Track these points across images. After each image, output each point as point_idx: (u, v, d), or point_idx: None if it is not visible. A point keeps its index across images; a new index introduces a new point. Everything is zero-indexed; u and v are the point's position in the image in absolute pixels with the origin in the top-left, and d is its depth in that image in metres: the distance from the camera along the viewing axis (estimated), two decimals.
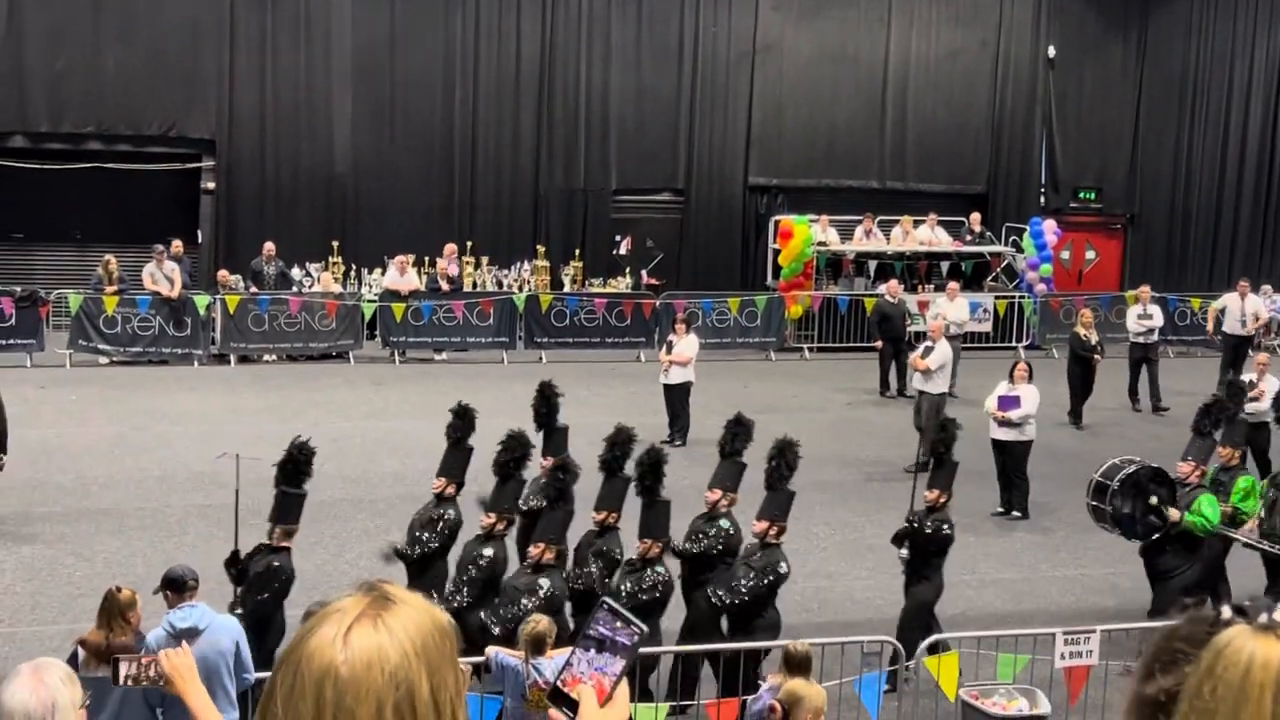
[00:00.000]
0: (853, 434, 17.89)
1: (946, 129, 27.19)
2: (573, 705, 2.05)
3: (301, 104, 24.16)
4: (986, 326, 23.98)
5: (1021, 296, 24.62)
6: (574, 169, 25.47)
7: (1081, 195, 28.45)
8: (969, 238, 25.38)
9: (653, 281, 24.42)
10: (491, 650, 8.27)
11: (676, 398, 16.83)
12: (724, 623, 9.74)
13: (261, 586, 8.85)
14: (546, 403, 11.56)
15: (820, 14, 26.47)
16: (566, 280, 24.00)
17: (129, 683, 5.48)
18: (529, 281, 23.56)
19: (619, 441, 10.27)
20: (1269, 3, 28.66)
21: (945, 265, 24.82)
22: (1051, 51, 27.70)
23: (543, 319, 22.33)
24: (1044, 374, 20.03)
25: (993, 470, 14.69)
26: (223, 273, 21.85)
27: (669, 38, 25.87)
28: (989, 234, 25.77)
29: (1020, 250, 25.24)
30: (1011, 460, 14.54)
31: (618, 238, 25.48)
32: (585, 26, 25.31)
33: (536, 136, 25.22)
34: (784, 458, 10.03)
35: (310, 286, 22.33)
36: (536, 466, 10.77)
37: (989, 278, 25.24)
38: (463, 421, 10.67)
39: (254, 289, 21.50)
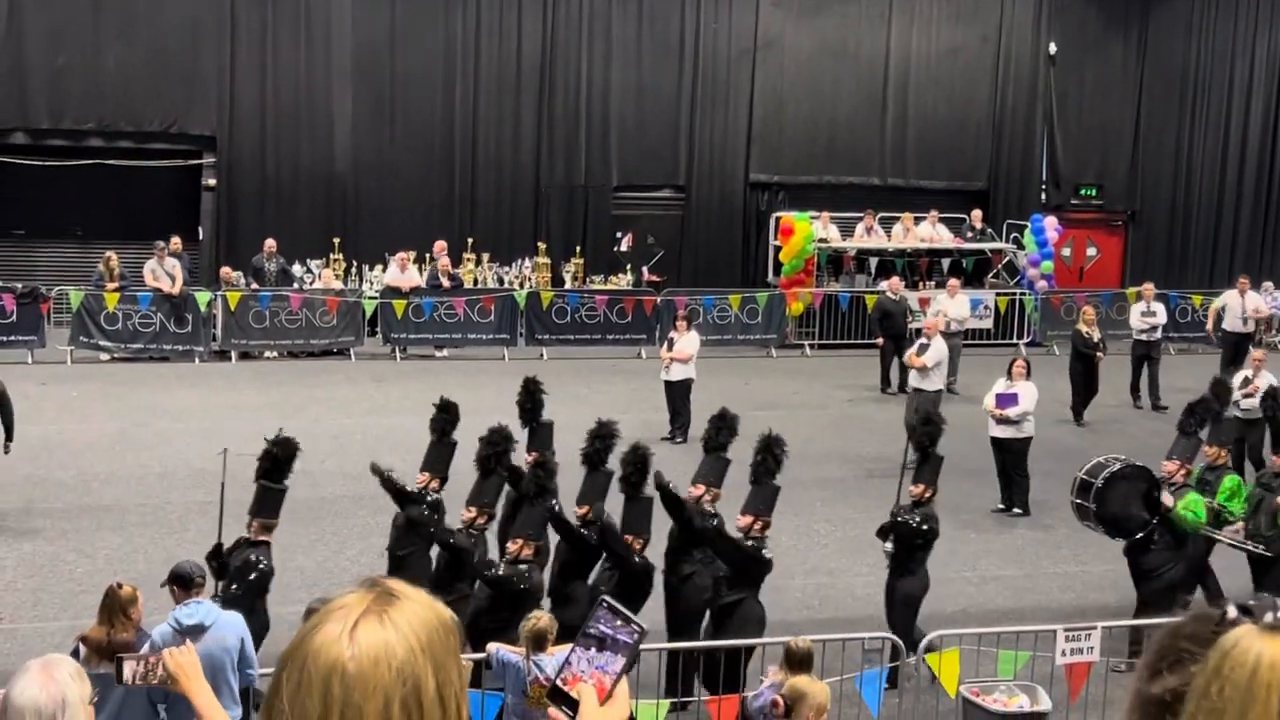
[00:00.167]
0: (854, 431, 17.89)
1: (947, 125, 27.18)
2: (572, 704, 2.05)
3: (302, 101, 24.16)
4: (988, 323, 23.98)
5: (1022, 293, 24.62)
6: (575, 166, 25.47)
7: (1082, 192, 28.45)
8: (970, 234, 25.39)
9: (654, 278, 24.43)
10: (492, 647, 8.28)
11: (678, 394, 16.83)
12: (707, 617, 9.70)
13: (239, 580, 8.89)
14: (531, 398, 11.55)
15: (821, 10, 26.46)
16: (567, 277, 24.00)
17: (138, 681, 5.47)
18: (530, 278, 23.55)
19: (601, 435, 10.30)
20: (1270, 1, 28.64)
21: (946, 262, 24.84)
22: (1052, 48, 27.68)
23: (544, 316, 22.33)
24: (1045, 371, 20.04)
25: (993, 467, 14.71)
26: (225, 269, 21.86)
27: (670, 34, 25.86)
28: (990, 231, 25.77)
29: (1021, 247, 25.23)
30: (1010, 457, 14.54)
31: (619, 234, 25.50)
32: (586, 23, 25.30)
33: (537, 133, 25.21)
34: (770, 452, 9.99)
35: (311, 283, 22.34)
36: (521, 463, 10.75)
37: (990, 274, 25.24)
38: (447, 415, 10.69)
39: (255, 286, 21.51)
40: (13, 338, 20.15)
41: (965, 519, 14.32)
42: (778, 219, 24.95)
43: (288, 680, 1.75)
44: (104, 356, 20.52)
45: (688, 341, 16.97)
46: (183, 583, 7.89)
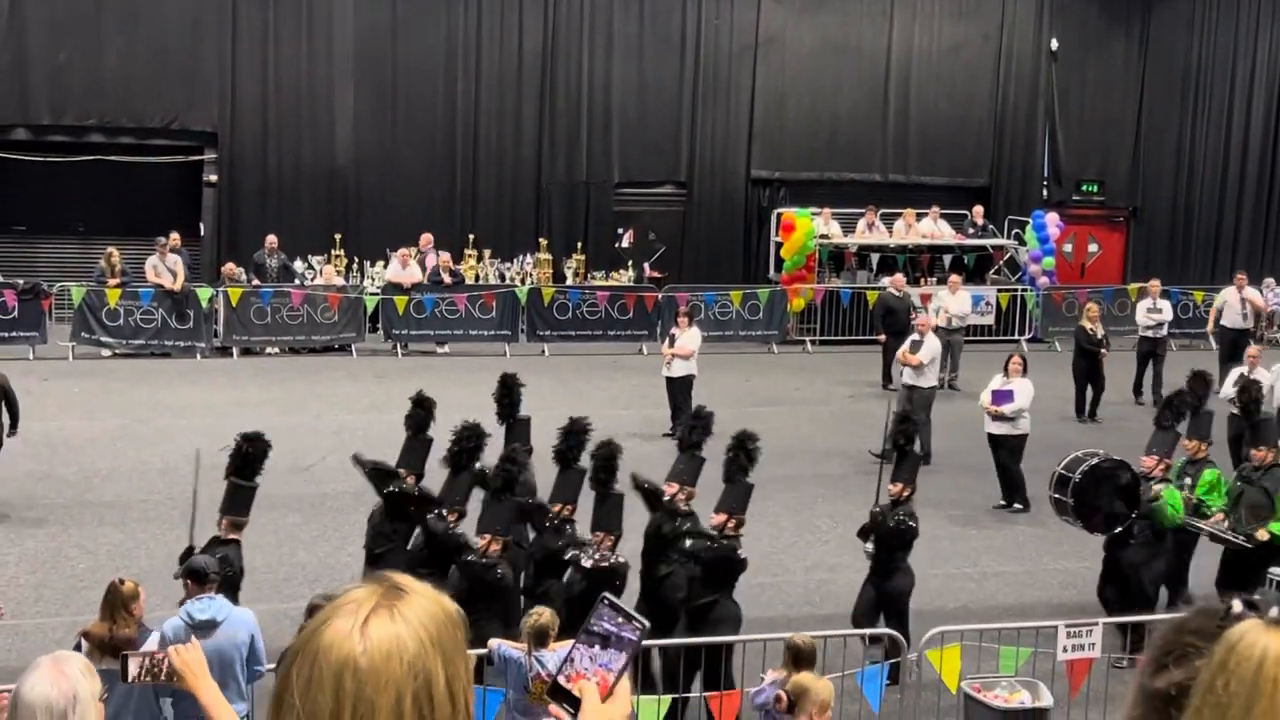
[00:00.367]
0: (855, 427, 17.86)
1: (949, 122, 27.17)
2: (574, 701, 2.05)
3: (303, 96, 24.16)
4: (989, 319, 23.97)
5: (1024, 289, 24.62)
6: (576, 162, 25.46)
7: (1084, 188, 28.43)
8: (971, 231, 25.38)
9: (655, 274, 24.43)
10: (494, 643, 8.28)
11: (679, 391, 16.82)
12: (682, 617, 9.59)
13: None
14: (509, 394, 11.50)
15: (822, 7, 26.44)
16: (569, 273, 24.00)
17: (146, 678, 5.46)
18: (531, 274, 23.55)
19: (573, 432, 10.22)
20: None
21: (948, 258, 24.83)
22: (1054, 45, 27.66)
23: (545, 312, 22.33)
24: (1047, 367, 20.05)
25: (993, 464, 14.69)
26: (229, 266, 21.86)
27: (671, 30, 25.85)
28: (991, 227, 25.76)
29: (1023, 243, 25.23)
30: (1005, 453, 14.52)
31: (620, 230, 25.50)
32: (587, 19, 25.29)
33: (538, 129, 25.20)
34: (743, 449, 9.88)
35: (312, 279, 22.35)
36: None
37: (991, 271, 25.23)
38: (423, 411, 10.66)
39: (257, 282, 21.51)
40: (14, 334, 20.16)
41: (966, 515, 14.33)
42: (779, 215, 24.94)
43: (298, 675, 1.75)
44: (105, 352, 20.52)
45: (689, 338, 16.96)
46: (197, 577, 7.91)
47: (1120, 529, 10.85)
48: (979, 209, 25.68)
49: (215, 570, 8.02)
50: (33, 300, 20.24)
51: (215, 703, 3.86)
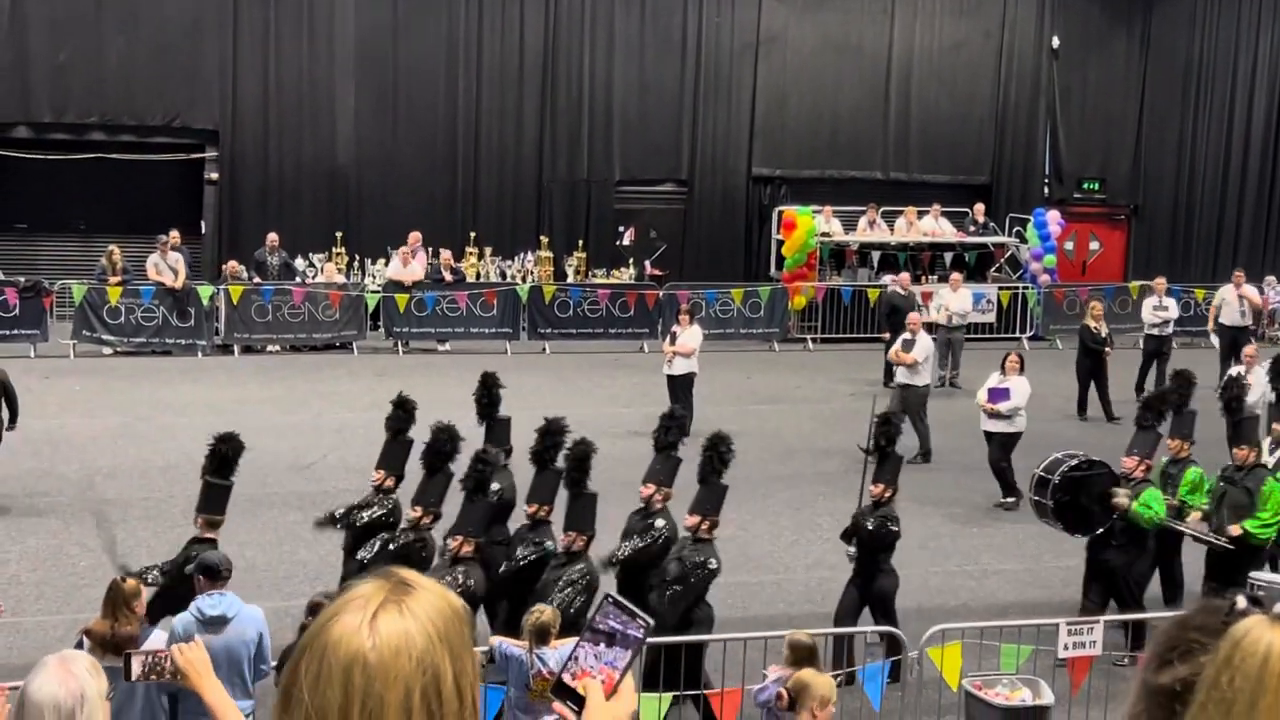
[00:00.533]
0: (856, 425, 17.78)
1: (950, 120, 27.16)
2: (578, 699, 2.06)
3: (304, 94, 24.16)
4: (990, 317, 23.97)
5: (1025, 287, 24.62)
6: (577, 160, 25.46)
7: (1085, 186, 28.42)
8: (973, 228, 25.38)
9: (656, 272, 24.43)
10: (495, 640, 8.28)
11: (680, 389, 16.82)
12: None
13: (184, 579, 8.86)
14: (489, 394, 11.44)
15: (824, 5, 26.44)
16: (570, 271, 24.00)
17: (150, 676, 5.46)
18: (532, 272, 23.55)
19: (550, 432, 10.13)
20: None
21: (949, 256, 24.83)
22: (1055, 43, 27.65)
23: (546, 310, 22.33)
24: (1049, 365, 20.07)
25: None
26: (231, 264, 21.85)
27: (672, 28, 25.84)
28: (993, 225, 25.76)
29: (1024, 241, 25.23)
30: (995, 448, 14.50)
31: (621, 228, 25.51)
32: (588, 17, 25.29)
33: (540, 127, 25.20)
34: (716, 451, 9.80)
35: (314, 277, 22.35)
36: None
37: (993, 268, 25.23)
38: (403, 413, 10.64)
39: (257, 279, 21.51)
40: (15, 331, 20.15)
41: (966, 513, 14.34)
42: (780, 213, 24.95)
43: (306, 670, 1.75)
44: (106, 350, 20.53)
45: (690, 335, 16.96)
46: (210, 573, 7.92)
47: (1100, 530, 10.80)
48: (980, 207, 25.68)
49: (228, 566, 8.02)
50: (34, 298, 20.24)
51: (220, 701, 3.86)
